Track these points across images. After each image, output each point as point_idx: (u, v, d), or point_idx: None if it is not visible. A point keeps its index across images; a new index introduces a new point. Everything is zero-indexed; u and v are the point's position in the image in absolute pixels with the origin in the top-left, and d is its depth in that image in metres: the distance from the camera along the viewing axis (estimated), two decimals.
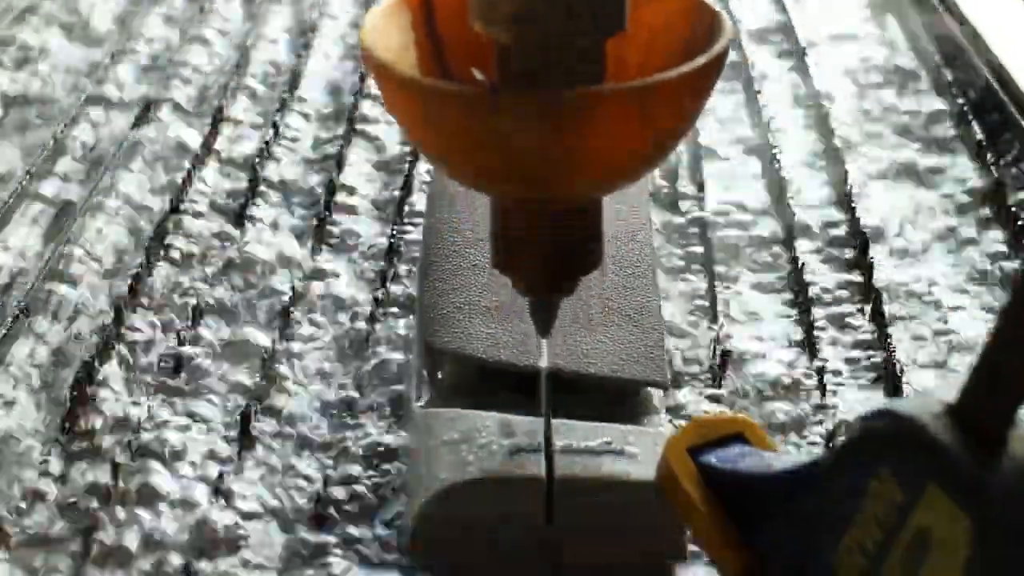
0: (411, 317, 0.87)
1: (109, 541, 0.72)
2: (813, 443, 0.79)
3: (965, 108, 1.12)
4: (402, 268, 0.93)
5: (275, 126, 1.09)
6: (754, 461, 0.64)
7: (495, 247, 0.65)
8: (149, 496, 0.74)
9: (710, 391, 0.82)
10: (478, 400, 0.74)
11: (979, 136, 1.08)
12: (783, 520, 0.60)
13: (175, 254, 0.95)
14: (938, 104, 1.15)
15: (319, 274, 0.93)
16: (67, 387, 0.82)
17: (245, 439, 0.79)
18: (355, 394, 0.82)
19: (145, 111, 1.12)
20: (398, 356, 0.84)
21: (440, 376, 0.78)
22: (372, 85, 1.13)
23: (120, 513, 0.73)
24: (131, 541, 0.72)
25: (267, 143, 1.07)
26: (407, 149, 1.07)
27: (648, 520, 0.68)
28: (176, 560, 0.71)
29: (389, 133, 1.09)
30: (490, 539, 0.69)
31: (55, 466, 0.77)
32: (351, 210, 1.00)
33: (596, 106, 0.59)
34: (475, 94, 0.61)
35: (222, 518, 0.73)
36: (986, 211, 1.01)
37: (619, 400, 0.76)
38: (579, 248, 0.65)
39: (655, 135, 0.61)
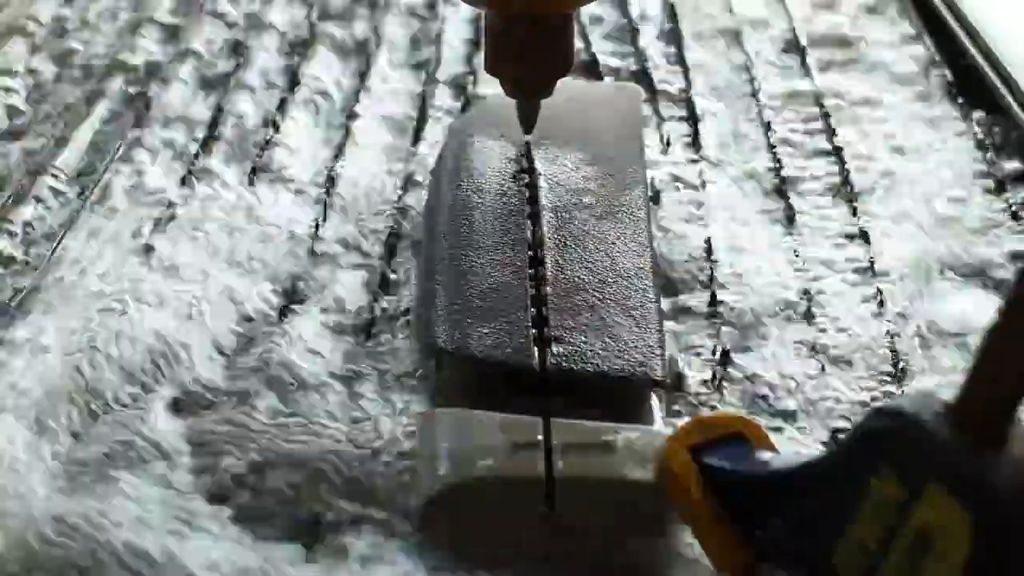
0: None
1: None
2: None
3: None
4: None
5: (275, 124, 1.09)
6: (754, 460, 0.64)
7: (487, 55, 0.82)
8: None
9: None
10: (478, 400, 0.74)
11: None
12: (783, 520, 0.60)
13: None
14: None
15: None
16: None
17: None
18: None
19: None
20: None
21: (440, 376, 0.78)
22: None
23: None
24: None
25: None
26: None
27: (647, 520, 0.68)
28: None
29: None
30: (491, 539, 0.69)
31: None
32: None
33: None
34: None
35: None
36: None
37: (619, 400, 0.76)
38: (553, 55, 0.81)
39: None
